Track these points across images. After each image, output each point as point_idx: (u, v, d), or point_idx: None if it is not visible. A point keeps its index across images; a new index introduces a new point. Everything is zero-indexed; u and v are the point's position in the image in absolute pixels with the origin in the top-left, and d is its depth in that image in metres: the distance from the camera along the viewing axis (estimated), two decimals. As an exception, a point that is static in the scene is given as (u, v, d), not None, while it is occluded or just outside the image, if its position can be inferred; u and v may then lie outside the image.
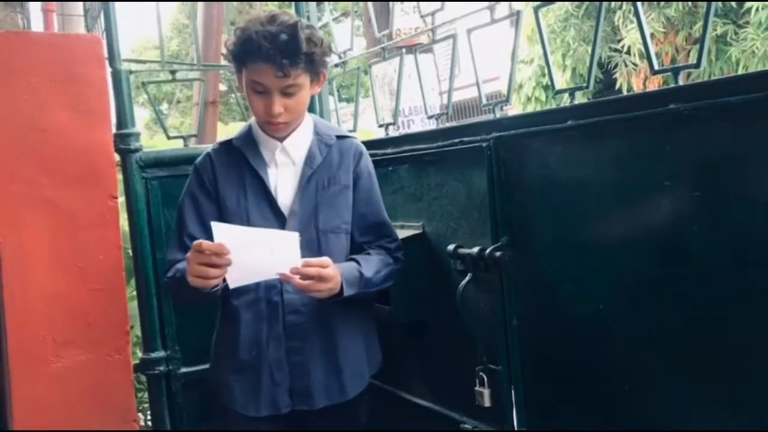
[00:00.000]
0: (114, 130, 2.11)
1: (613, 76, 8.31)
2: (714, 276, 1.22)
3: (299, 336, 1.65)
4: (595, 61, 1.55)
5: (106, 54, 2.09)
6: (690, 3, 7.25)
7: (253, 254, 1.48)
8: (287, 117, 1.62)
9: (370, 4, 3.44)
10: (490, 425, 1.73)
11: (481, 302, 1.72)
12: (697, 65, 1.34)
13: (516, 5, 1.80)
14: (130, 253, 2.19)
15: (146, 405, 2.48)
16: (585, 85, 1.59)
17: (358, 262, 1.66)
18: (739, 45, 6.98)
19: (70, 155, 1.99)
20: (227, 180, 1.69)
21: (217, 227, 1.46)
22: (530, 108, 9.24)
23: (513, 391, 1.65)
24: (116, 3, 2.14)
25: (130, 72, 2.17)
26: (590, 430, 1.48)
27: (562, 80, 8.52)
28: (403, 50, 2.15)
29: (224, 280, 1.52)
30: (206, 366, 1.83)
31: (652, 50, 1.43)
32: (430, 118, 2.07)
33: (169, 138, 2.44)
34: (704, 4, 1.37)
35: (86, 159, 2.02)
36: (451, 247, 1.75)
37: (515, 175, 1.61)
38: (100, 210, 2.03)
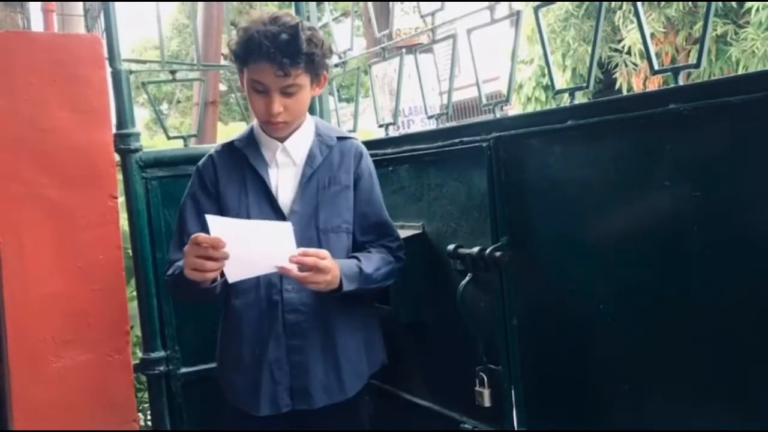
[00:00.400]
0: (114, 130, 2.11)
1: (613, 76, 8.31)
2: (714, 276, 1.22)
3: (299, 335, 1.65)
4: (595, 61, 1.55)
5: (106, 54, 2.09)
6: (690, 3, 7.25)
7: (250, 247, 1.49)
8: (286, 117, 1.63)
9: (370, 4, 3.44)
10: (490, 425, 1.73)
11: (481, 302, 1.72)
12: (697, 65, 1.34)
13: (516, 5, 1.81)
14: (130, 253, 2.19)
15: (146, 405, 2.48)
16: (585, 85, 1.60)
17: (358, 259, 1.67)
18: (739, 45, 6.98)
19: (70, 155, 1.99)
20: (228, 180, 1.71)
21: (212, 220, 1.47)
22: (530, 108, 9.24)
23: (513, 391, 1.65)
24: (116, 3, 2.14)
25: (130, 72, 2.17)
26: (590, 430, 1.48)
27: (562, 80, 8.52)
28: (403, 50, 2.15)
29: (222, 275, 1.53)
30: (206, 366, 1.84)
31: (652, 50, 1.43)
32: (430, 118, 2.07)
33: (169, 138, 2.44)
34: (704, 4, 1.37)
35: (86, 159, 2.02)
36: (451, 247, 1.75)
37: (515, 175, 1.61)
38: (100, 210, 2.03)
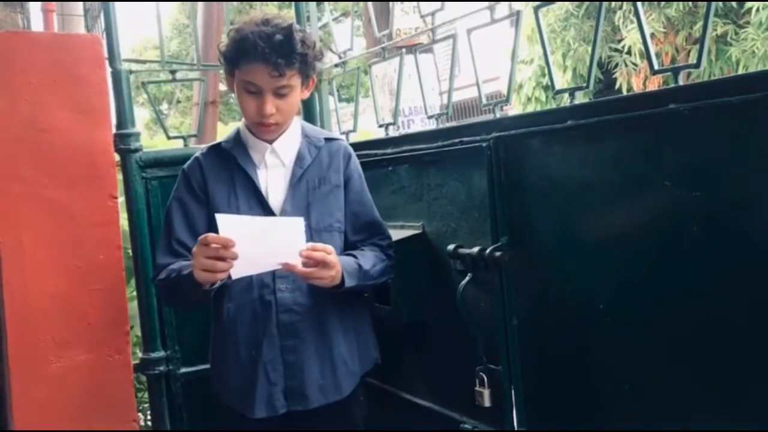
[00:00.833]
0: (114, 130, 2.11)
1: (613, 76, 8.30)
2: (714, 276, 1.22)
3: (293, 335, 1.66)
4: (595, 61, 1.55)
5: (106, 54, 2.09)
6: (690, 3, 7.25)
7: (259, 244, 1.48)
8: (278, 118, 1.64)
9: (370, 4, 3.45)
10: (490, 425, 1.73)
11: (481, 302, 1.72)
12: (697, 65, 1.34)
13: (516, 5, 1.81)
14: (130, 253, 2.19)
15: (146, 405, 2.48)
16: (585, 85, 1.59)
17: (354, 256, 1.68)
18: (739, 45, 6.98)
19: (70, 155, 1.99)
20: (217, 182, 1.70)
21: (222, 219, 1.46)
22: (530, 108, 9.23)
23: (513, 391, 1.65)
24: (116, 3, 2.15)
25: (130, 72, 2.18)
26: (590, 430, 1.48)
27: (562, 80, 8.51)
28: (403, 50, 2.15)
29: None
30: (206, 366, 1.83)
31: (652, 50, 1.43)
32: (430, 118, 2.07)
33: (169, 138, 2.44)
34: (704, 4, 1.37)
35: (86, 159, 2.02)
36: (451, 247, 1.75)
37: (515, 175, 1.61)
38: (100, 210, 2.03)
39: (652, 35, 7.26)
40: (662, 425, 1.33)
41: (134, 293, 2.21)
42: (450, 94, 2.02)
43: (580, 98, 1.57)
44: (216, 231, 1.46)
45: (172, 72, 2.46)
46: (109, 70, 2.09)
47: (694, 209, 1.23)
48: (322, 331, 1.68)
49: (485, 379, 1.71)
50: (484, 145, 1.65)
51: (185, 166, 1.76)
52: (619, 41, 7.97)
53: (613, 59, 8.20)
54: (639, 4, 1.41)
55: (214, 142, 1.78)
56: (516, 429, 1.65)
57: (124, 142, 2.12)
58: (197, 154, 1.77)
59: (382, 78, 6.06)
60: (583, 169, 1.44)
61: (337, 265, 1.58)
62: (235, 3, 10.95)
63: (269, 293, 1.65)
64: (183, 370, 2.18)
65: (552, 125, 1.50)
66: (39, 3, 5.61)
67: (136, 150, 2.13)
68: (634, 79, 8.14)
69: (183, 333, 2.19)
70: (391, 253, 1.79)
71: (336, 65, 2.50)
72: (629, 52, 7.87)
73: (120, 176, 2.14)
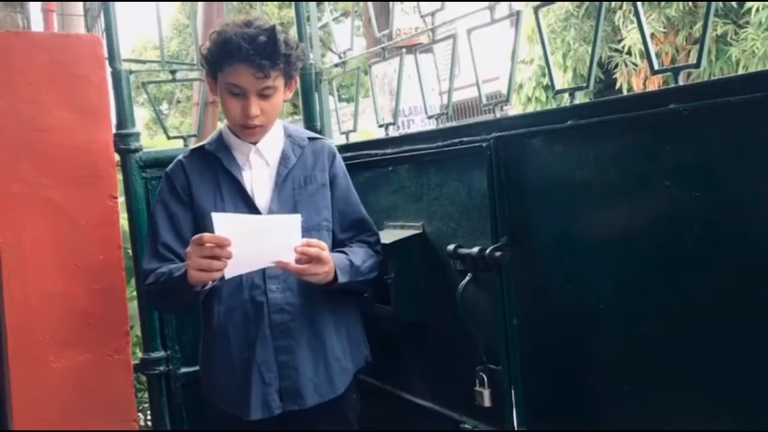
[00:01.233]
0: (114, 130, 2.11)
1: (613, 76, 8.31)
2: (714, 276, 1.22)
3: (286, 335, 1.66)
4: (595, 61, 1.55)
5: (106, 54, 2.09)
6: (690, 3, 7.25)
7: (254, 242, 1.48)
8: (263, 119, 1.65)
9: (370, 4, 3.45)
10: (490, 425, 1.73)
11: (481, 302, 1.72)
12: (697, 65, 1.34)
13: (516, 5, 1.80)
14: (130, 253, 2.19)
15: (146, 405, 2.48)
16: (585, 85, 1.59)
17: (345, 253, 1.69)
18: (739, 45, 6.98)
19: (70, 155, 1.99)
20: (201, 185, 1.71)
21: (217, 217, 1.46)
22: (530, 108, 9.23)
23: (513, 391, 1.65)
24: (116, 3, 2.15)
25: (130, 72, 2.18)
26: (590, 430, 1.48)
27: (562, 80, 8.52)
28: (403, 50, 2.14)
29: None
30: (205, 366, 1.83)
31: (652, 50, 1.43)
32: (430, 118, 2.07)
33: (169, 138, 2.44)
34: (704, 4, 1.37)
35: (86, 159, 2.02)
36: (451, 247, 1.75)
37: (515, 175, 1.60)
38: (100, 210, 2.03)
39: (652, 35, 7.26)
40: (662, 425, 1.33)
41: (134, 293, 2.21)
42: (450, 94, 2.02)
43: (581, 98, 1.57)
44: (202, 232, 1.46)
45: (172, 72, 2.46)
46: (109, 70, 2.09)
47: (694, 209, 1.23)
48: (315, 330, 1.69)
49: (485, 379, 1.71)
50: (484, 145, 1.65)
51: (168, 168, 1.76)
52: (620, 41, 7.97)
53: (613, 59, 8.21)
54: (639, 4, 1.41)
55: (196, 145, 1.78)
56: (516, 429, 1.65)
57: (124, 142, 2.12)
58: (180, 156, 1.77)
59: (382, 78, 6.05)
60: (583, 169, 1.44)
61: (330, 261, 1.59)
62: (235, 3, 10.95)
63: (260, 294, 1.65)
64: (183, 370, 2.18)
65: (552, 125, 1.50)
66: (39, 3, 5.61)
67: (136, 150, 2.13)
68: (634, 79, 8.14)
69: (183, 333, 2.19)
70: (378, 249, 1.80)
71: (336, 65, 2.50)
72: (629, 52, 7.87)
73: (120, 176, 2.14)
